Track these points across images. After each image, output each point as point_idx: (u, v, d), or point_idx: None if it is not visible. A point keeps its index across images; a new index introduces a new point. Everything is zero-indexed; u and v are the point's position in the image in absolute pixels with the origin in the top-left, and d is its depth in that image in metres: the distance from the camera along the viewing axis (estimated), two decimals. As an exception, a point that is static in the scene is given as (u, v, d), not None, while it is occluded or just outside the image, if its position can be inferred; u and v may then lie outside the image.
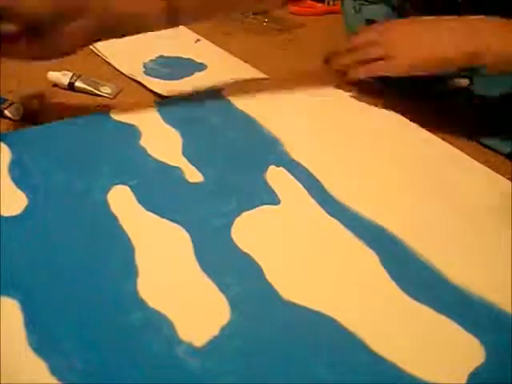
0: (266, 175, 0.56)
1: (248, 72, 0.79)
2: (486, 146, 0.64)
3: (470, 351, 0.40)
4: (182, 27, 0.91)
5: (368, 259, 0.47)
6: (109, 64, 0.79)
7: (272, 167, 0.57)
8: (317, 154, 0.60)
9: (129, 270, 0.44)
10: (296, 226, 0.50)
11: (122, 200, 0.52)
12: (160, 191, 0.53)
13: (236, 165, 0.58)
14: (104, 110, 0.66)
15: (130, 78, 0.76)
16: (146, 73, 0.77)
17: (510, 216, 0.51)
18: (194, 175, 0.55)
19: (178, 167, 0.56)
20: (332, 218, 0.51)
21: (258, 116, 0.66)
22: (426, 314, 0.42)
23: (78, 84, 0.71)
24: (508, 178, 0.58)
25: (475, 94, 0.66)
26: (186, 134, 0.61)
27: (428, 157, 0.61)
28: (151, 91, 0.72)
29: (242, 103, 0.69)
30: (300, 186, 0.55)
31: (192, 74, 0.78)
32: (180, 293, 0.43)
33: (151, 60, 0.81)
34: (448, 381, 0.37)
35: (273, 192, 0.53)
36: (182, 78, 0.76)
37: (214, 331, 0.40)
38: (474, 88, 0.65)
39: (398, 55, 0.61)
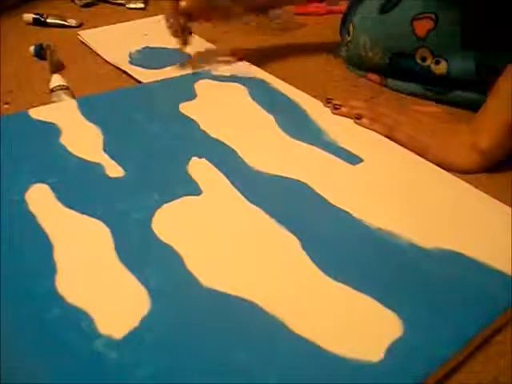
0: (188, 167, 0.56)
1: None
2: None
3: (388, 326, 0.40)
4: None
5: (289, 243, 0.47)
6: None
7: (194, 159, 0.57)
8: (243, 142, 0.61)
9: (47, 267, 0.44)
10: (217, 214, 0.50)
11: (40, 198, 0.51)
12: (80, 188, 0.52)
13: (158, 158, 0.57)
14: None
15: (114, 66, 0.79)
16: (131, 62, 0.80)
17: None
18: (114, 170, 0.55)
19: (98, 163, 0.55)
20: (253, 206, 0.51)
21: (185, 110, 0.66)
22: (345, 292, 0.43)
23: None
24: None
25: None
26: (107, 131, 0.61)
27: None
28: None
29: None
30: (222, 175, 0.55)
31: (175, 63, 0.80)
32: (99, 287, 0.42)
33: (137, 50, 0.84)
34: (367, 355, 0.38)
35: (194, 183, 0.53)
36: (165, 67, 0.79)
37: (134, 323, 0.39)
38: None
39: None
